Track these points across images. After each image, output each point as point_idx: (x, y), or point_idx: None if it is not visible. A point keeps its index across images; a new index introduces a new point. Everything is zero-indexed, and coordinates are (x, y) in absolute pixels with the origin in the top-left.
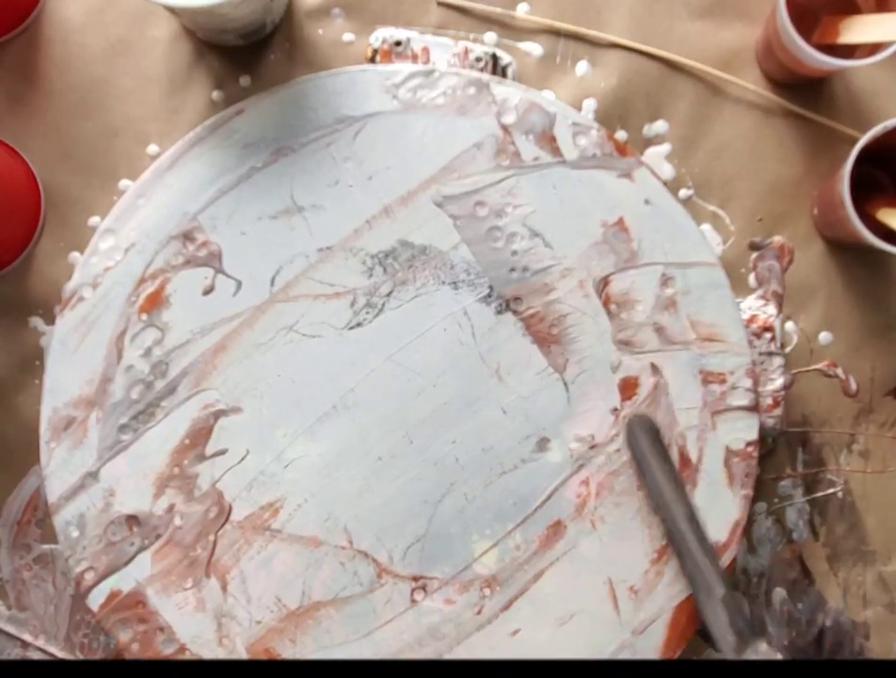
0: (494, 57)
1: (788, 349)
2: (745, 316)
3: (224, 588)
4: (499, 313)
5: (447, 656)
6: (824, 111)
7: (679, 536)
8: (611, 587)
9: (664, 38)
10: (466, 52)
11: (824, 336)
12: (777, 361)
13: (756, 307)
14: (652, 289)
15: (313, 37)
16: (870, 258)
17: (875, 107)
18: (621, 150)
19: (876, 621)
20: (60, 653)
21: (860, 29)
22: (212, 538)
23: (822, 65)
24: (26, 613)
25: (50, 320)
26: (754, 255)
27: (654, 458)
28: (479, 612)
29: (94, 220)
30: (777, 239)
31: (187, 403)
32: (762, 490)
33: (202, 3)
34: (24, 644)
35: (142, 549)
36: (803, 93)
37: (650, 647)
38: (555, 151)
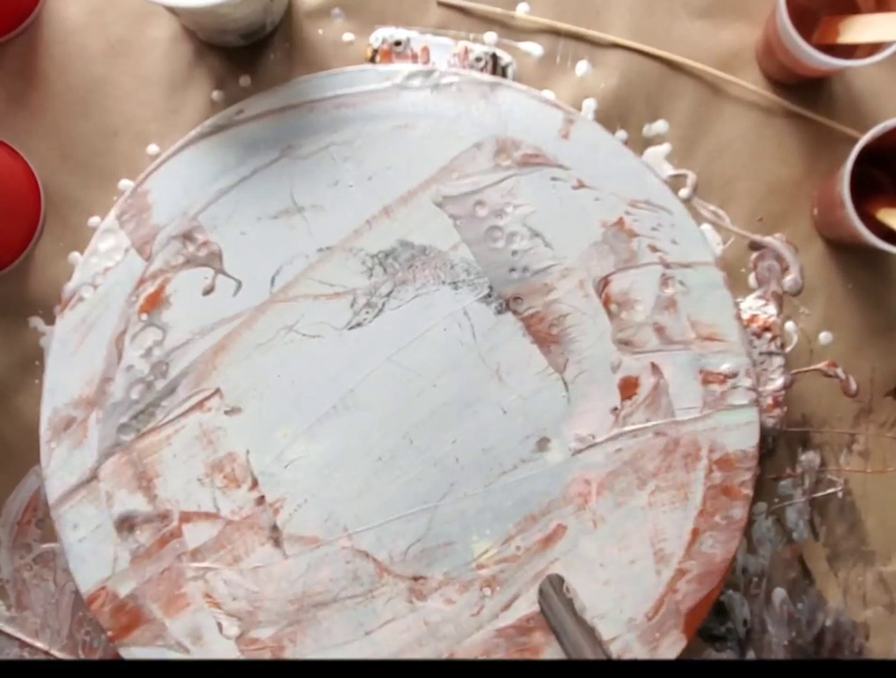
0: (494, 57)
1: (788, 349)
2: (745, 316)
3: (224, 588)
4: (499, 313)
5: (447, 656)
6: (823, 111)
7: None
8: (611, 587)
9: (664, 38)
10: (466, 52)
11: (824, 336)
12: (777, 361)
13: (756, 307)
14: (652, 289)
15: (313, 37)
16: (870, 258)
17: (875, 107)
18: None
19: (876, 621)
20: (60, 654)
21: (860, 29)
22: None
23: (822, 65)
24: (26, 613)
25: (50, 320)
26: (754, 255)
27: (570, 616)
28: (479, 612)
29: (94, 220)
30: (777, 235)
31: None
32: (762, 490)
33: (202, 3)
34: (24, 644)
35: (142, 549)
36: (803, 93)
37: None
38: None
